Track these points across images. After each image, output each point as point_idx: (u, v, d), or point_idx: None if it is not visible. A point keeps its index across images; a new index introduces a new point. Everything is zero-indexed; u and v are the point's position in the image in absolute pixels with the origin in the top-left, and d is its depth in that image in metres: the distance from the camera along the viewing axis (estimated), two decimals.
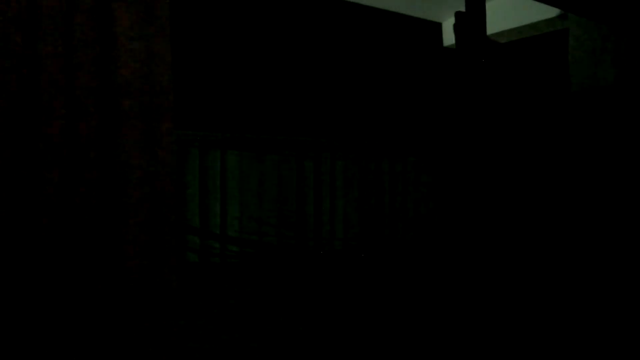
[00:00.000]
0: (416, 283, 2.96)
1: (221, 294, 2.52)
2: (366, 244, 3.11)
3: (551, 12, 2.88)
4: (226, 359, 2.08)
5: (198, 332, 2.17)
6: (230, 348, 2.14)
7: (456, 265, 2.87)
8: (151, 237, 1.91)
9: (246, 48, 2.92)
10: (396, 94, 3.51)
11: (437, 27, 3.76)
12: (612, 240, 2.58)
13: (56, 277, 1.73)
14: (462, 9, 3.01)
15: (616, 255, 2.60)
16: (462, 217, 2.76)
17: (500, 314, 2.50)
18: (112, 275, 1.84)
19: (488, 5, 3.13)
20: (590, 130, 2.63)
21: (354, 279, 2.91)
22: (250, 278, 2.69)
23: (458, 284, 2.75)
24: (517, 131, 2.76)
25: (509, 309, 2.55)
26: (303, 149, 3.00)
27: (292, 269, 2.82)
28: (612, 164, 2.62)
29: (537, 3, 2.98)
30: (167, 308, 1.96)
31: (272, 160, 2.90)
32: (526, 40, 2.99)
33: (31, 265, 1.69)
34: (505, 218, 2.77)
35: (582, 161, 2.65)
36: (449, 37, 3.63)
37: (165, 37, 2.03)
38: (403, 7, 3.51)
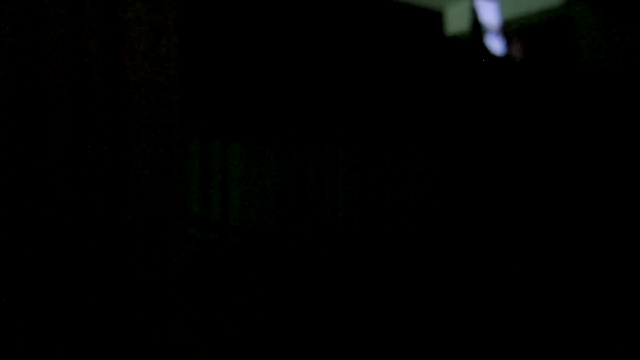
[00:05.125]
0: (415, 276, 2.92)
1: (221, 284, 2.47)
2: (368, 232, 3.07)
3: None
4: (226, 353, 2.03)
5: (198, 324, 2.12)
6: (230, 342, 2.09)
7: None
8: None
9: (239, 42, 2.86)
10: (397, 86, 3.46)
11: (438, 15, 3.71)
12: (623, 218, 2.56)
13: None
14: None
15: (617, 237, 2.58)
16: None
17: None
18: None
19: None
20: (599, 112, 2.60)
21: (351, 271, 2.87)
22: (250, 268, 2.64)
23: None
24: (527, 116, 2.73)
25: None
26: (304, 139, 2.96)
27: (293, 258, 2.77)
28: (620, 147, 2.60)
29: None
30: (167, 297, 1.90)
31: (273, 151, 2.85)
32: (536, 27, 2.96)
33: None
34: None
35: (591, 145, 2.63)
36: (452, 26, 3.58)
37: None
38: None
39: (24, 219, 1.68)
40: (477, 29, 2.41)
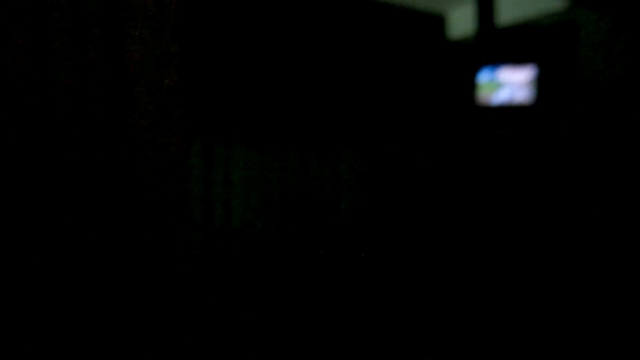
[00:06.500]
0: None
1: (224, 288, 2.46)
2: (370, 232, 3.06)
3: (562, 3, 2.85)
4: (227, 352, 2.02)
5: (202, 327, 2.12)
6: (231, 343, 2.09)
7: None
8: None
9: (240, 47, 2.86)
10: (401, 90, 3.45)
11: (440, 19, 3.71)
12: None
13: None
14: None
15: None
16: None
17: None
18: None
19: None
20: (602, 119, 2.59)
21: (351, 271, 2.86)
22: (252, 272, 2.64)
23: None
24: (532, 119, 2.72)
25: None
26: (307, 144, 2.95)
27: (294, 262, 2.76)
28: (623, 154, 2.59)
29: None
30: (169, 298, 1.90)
31: (275, 156, 2.85)
32: (538, 30, 2.96)
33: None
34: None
35: (594, 152, 2.61)
36: (455, 30, 3.57)
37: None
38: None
39: (24, 219, 1.68)
40: (486, 29, 2.40)
